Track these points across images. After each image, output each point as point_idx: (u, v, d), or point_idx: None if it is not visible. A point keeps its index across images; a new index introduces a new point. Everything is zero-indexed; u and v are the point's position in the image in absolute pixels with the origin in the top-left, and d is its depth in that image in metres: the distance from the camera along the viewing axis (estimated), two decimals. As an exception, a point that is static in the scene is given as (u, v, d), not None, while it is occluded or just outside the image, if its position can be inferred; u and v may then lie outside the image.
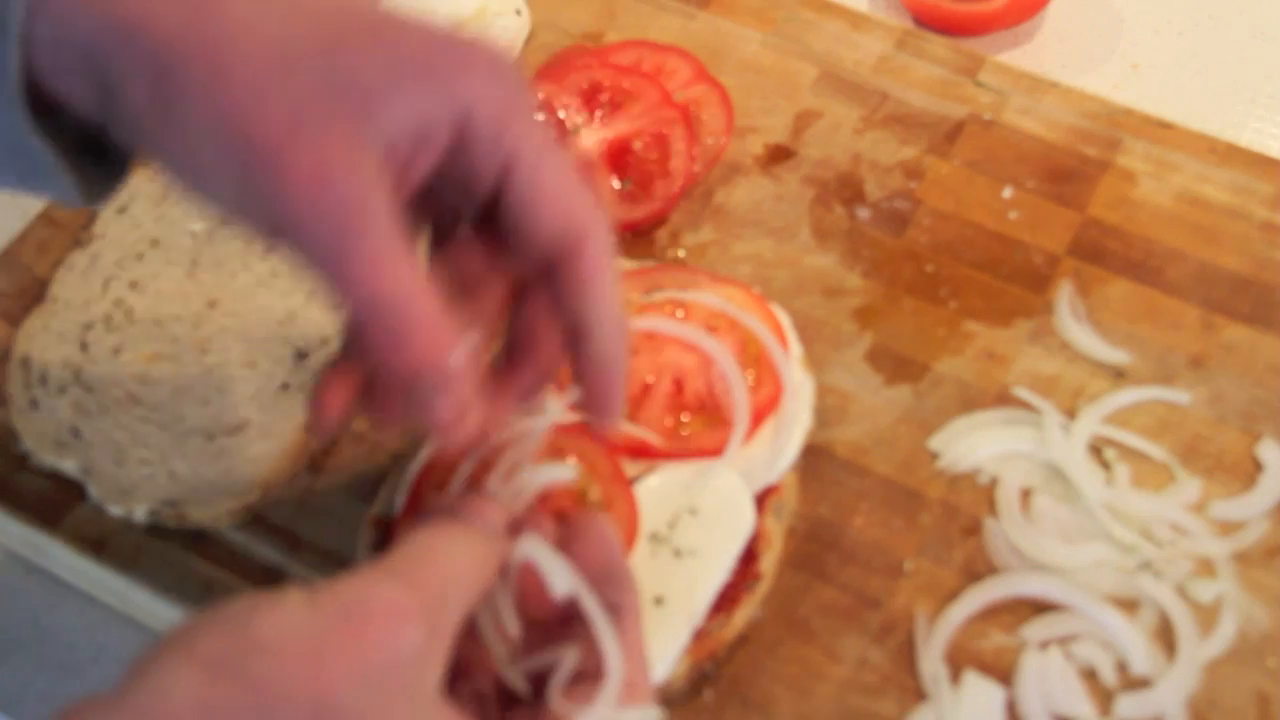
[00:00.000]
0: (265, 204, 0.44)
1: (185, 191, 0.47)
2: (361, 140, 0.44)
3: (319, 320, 0.70)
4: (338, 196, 0.43)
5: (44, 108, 0.46)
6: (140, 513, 0.64)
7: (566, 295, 0.49)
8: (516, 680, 0.49)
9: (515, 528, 0.51)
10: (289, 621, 0.41)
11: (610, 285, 0.48)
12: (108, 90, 0.45)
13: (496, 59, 0.47)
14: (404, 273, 0.44)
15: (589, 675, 0.48)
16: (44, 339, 0.70)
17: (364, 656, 0.41)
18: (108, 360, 0.69)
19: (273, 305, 0.71)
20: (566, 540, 0.51)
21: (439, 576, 0.45)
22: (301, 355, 0.69)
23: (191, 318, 0.71)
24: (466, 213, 0.49)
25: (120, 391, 0.68)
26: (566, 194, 0.47)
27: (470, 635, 0.48)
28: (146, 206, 0.74)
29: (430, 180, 0.47)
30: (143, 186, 0.75)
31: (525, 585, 0.50)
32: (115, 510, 0.64)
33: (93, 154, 0.49)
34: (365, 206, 0.43)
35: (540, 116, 0.48)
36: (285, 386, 0.68)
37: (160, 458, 0.66)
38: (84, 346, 0.69)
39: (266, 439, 0.66)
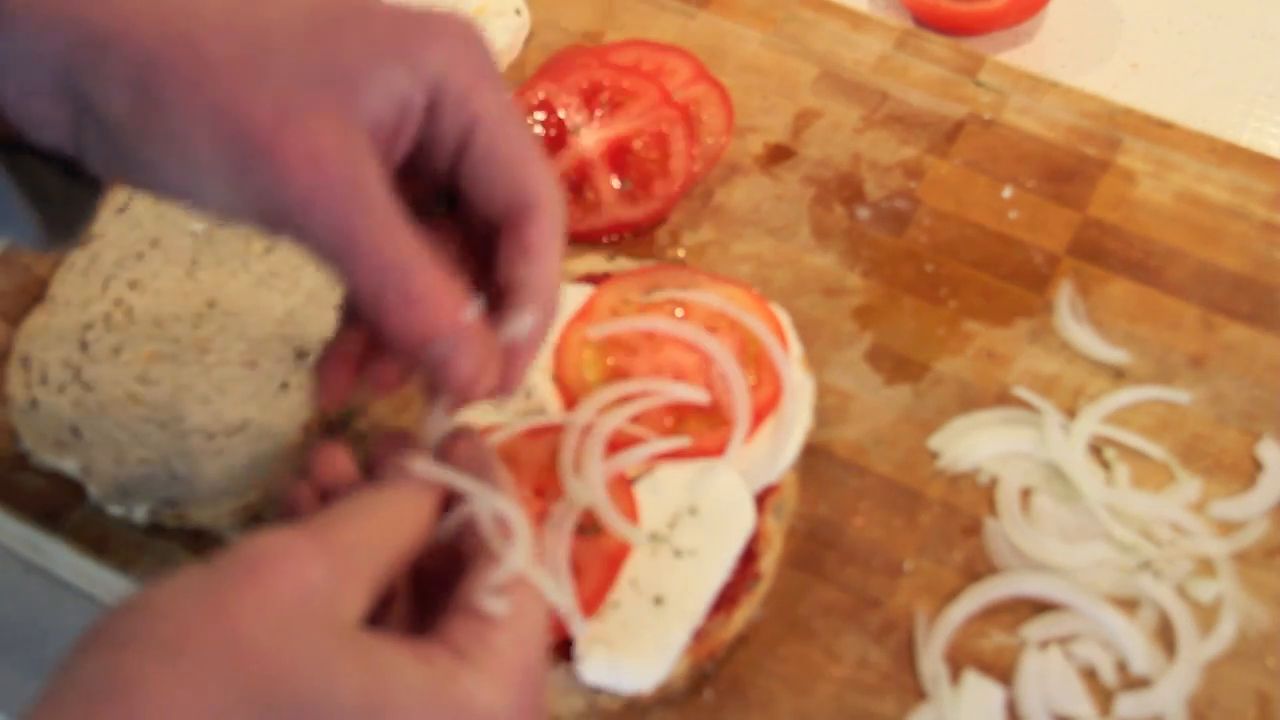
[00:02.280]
0: (263, 196, 0.45)
1: (172, 199, 0.47)
2: (349, 123, 0.45)
3: (319, 320, 0.70)
4: (335, 178, 0.44)
5: (7, 144, 0.46)
6: (140, 513, 0.64)
7: (505, 260, 0.50)
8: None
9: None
10: (184, 582, 0.42)
11: (553, 251, 0.49)
12: (84, 106, 0.45)
13: (466, 28, 0.48)
14: (409, 241, 0.46)
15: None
16: (44, 339, 0.70)
17: (264, 594, 0.41)
18: (108, 360, 0.69)
19: (273, 305, 0.71)
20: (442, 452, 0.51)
21: (346, 527, 0.45)
22: (301, 355, 0.69)
23: (191, 317, 0.70)
24: (435, 184, 0.51)
25: (120, 391, 0.68)
26: (522, 160, 0.49)
27: None
28: (146, 206, 0.74)
29: (409, 154, 0.49)
30: None
31: None
32: (115, 510, 0.64)
33: (54, 200, 0.49)
34: (362, 184, 0.45)
35: (506, 88, 0.50)
36: (285, 386, 0.68)
37: (160, 457, 0.66)
38: (84, 346, 0.69)
39: (266, 439, 0.66)
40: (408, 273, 0.46)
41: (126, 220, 0.74)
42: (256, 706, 0.40)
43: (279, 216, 0.45)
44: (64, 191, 0.49)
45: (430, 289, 0.46)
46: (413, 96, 0.47)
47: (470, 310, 0.47)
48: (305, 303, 0.71)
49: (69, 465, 0.65)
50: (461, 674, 0.44)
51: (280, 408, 0.67)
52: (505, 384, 0.50)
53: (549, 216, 0.49)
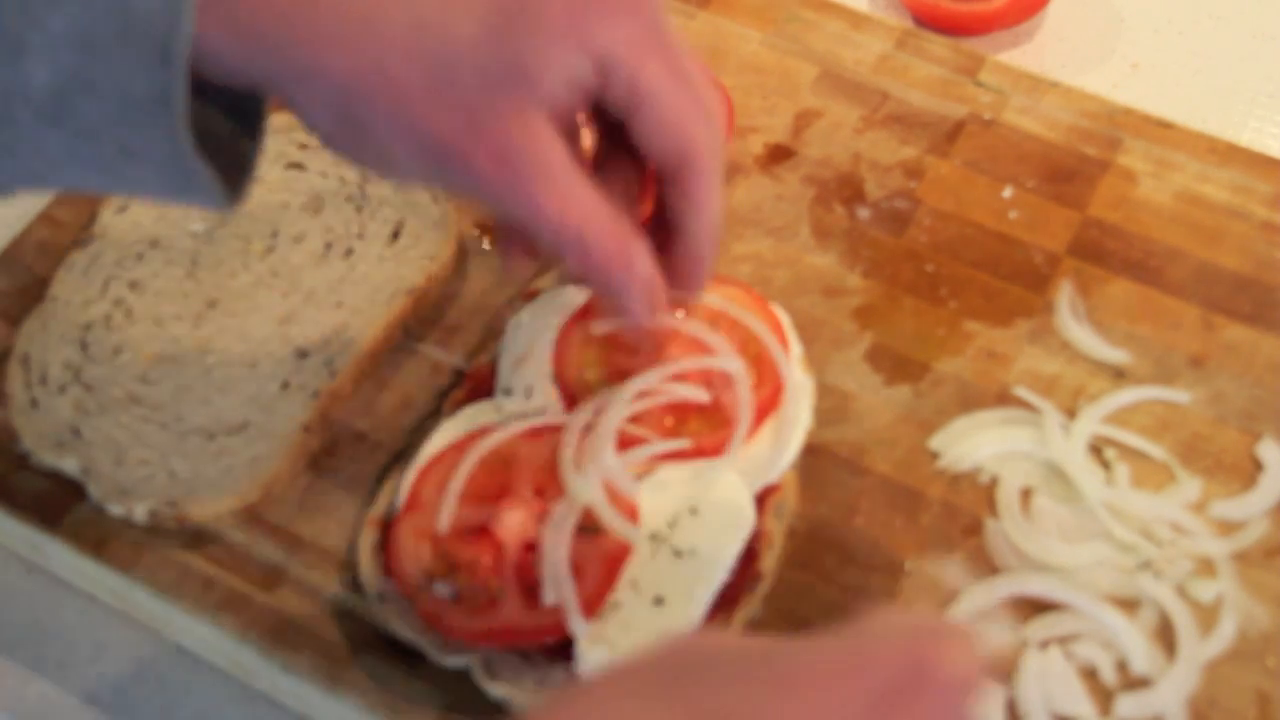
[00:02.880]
0: (459, 186, 0.53)
1: (377, 178, 0.55)
2: (530, 112, 0.51)
3: (319, 320, 0.70)
4: (521, 169, 0.52)
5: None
6: (140, 513, 0.64)
7: (673, 201, 0.57)
8: None
9: None
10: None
11: (711, 199, 0.57)
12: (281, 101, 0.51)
13: (635, 2, 0.53)
14: (584, 203, 0.53)
15: None
16: (44, 339, 0.70)
17: None
18: (108, 360, 0.69)
19: (273, 305, 0.71)
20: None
21: None
22: (302, 355, 0.69)
23: (191, 318, 0.70)
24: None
25: (120, 391, 0.68)
26: (683, 125, 0.55)
27: None
28: (146, 207, 0.74)
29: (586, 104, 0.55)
30: None
31: None
32: (115, 510, 0.64)
33: (224, 153, 0.52)
34: (545, 164, 0.52)
35: (676, 41, 0.56)
36: (285, 386, 0.68)
37: (160, 457, 0.66)
38: (84, 346, 0.69)
39: (266, 439, 0.66)
40: (585, 234, 0.53)
41: (126, 220, 0.74)
42: None
43: (475, 197, 0.54)
44: (230, 143, 0.53)
45: (604, 247, 0.54)
46: (586, 77, 0.52)
47: (640, 260, 0.55)
48: (305, 303, 0.71)
49: (69, 465, 0.65)
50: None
51: (280, 408, 0.67)
52: (687, 289, 0.60)
53: (708, 174, 0.56)
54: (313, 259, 0.72)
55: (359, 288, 0.71)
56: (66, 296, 0.71)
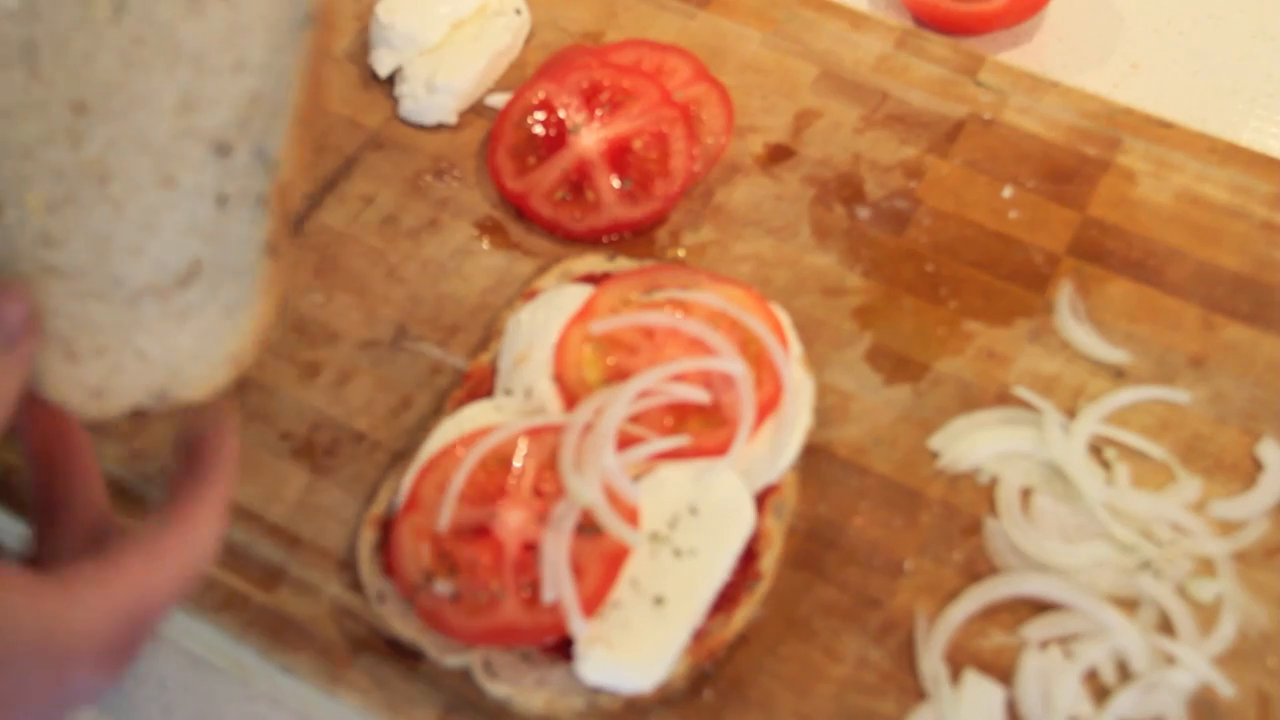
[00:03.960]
0: None
1: None
2: None
3: (225, 94, 0.51)
4: None
5: None
6: (122, 412, 0.52)
7: None
8: None
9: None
10: None
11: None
12: None
13: None
14: None
15: None
16: None
17: None
18: None
19: (158, 90, 0.51)
20: None
21: None
22: (223, 151, 0.51)
23: (64, 135, 0.51)
24: None
25: (29, 265, 0.51)
26: None
27: None
28: None
29: None
30: None
31: None
32: (90, 413, 0.52)
33: None
34: None
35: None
36: (222, 200, 0.51)
37: (116, 338, 0.51)
38: None
39: (230, 278, 0.51)
40: None
41: None
42: None
43: None
44: None
45: None
46: None
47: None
48: (196, 75, 0.51)
49: None
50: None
51: (230, 232, 0.51)
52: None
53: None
54: (180, 5, 0.51)
55: (253, 33, 0.51)
56: None
